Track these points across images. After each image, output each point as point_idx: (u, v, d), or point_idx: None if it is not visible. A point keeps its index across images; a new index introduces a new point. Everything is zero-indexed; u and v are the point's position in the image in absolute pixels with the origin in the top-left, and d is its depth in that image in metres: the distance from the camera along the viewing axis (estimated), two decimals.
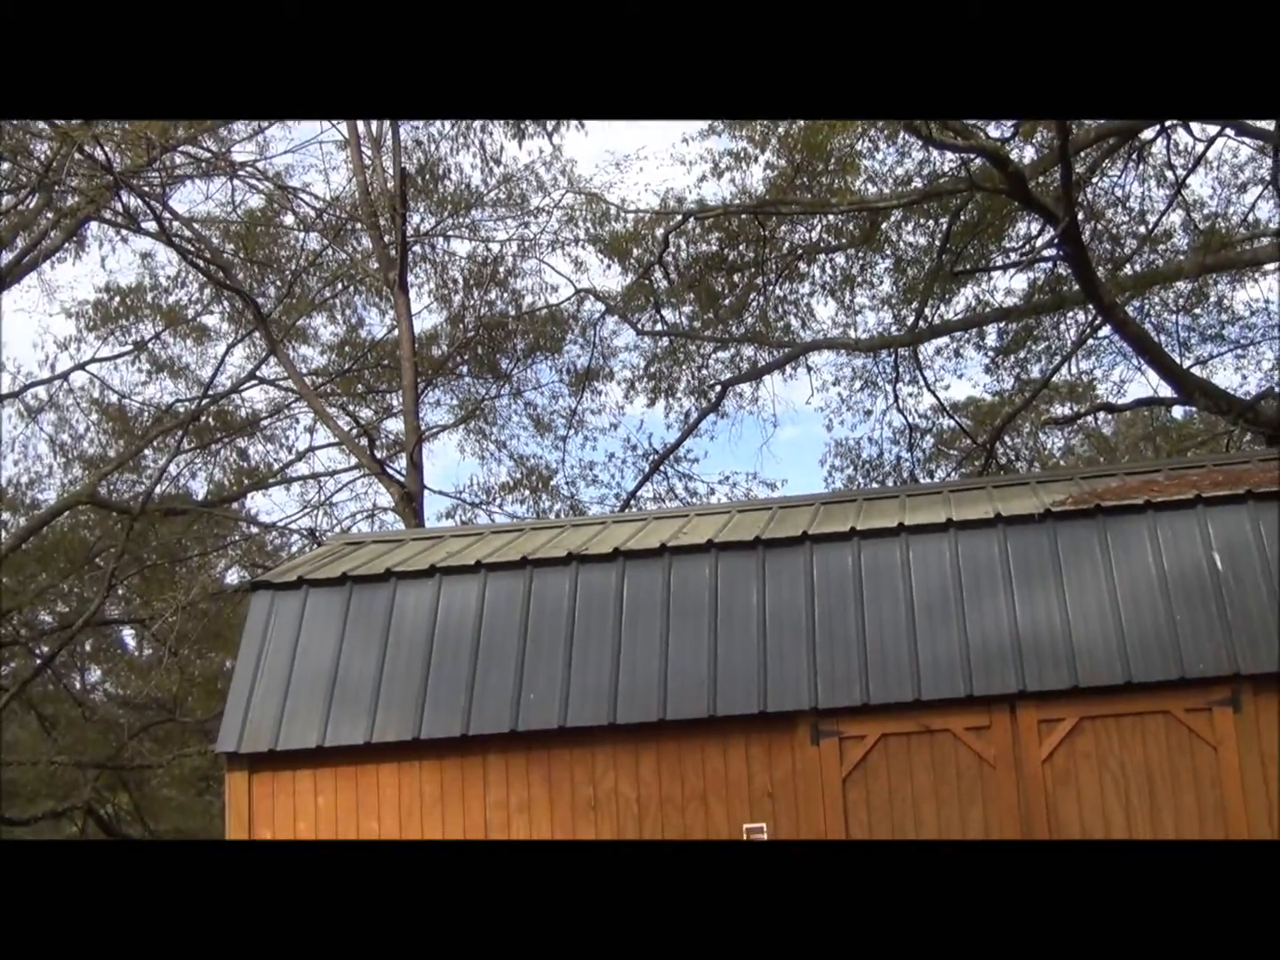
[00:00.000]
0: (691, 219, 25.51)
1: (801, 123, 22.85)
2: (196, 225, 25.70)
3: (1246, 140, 24.33)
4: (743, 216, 25.36)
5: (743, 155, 24.64)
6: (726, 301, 26.77)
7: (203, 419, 28.86)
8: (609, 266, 27.52)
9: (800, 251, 26.44)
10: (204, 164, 23.86)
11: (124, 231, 25.32)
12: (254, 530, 30.94)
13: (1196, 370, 24.61)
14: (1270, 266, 24.79)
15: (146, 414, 29.66)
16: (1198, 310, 25.71)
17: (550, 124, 25.10)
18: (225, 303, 28.10)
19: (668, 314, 27.23)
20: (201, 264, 25.64)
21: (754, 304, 26.94)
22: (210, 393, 28.56)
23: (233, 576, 30.20)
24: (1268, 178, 24.84)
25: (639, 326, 27.33)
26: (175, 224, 24.75)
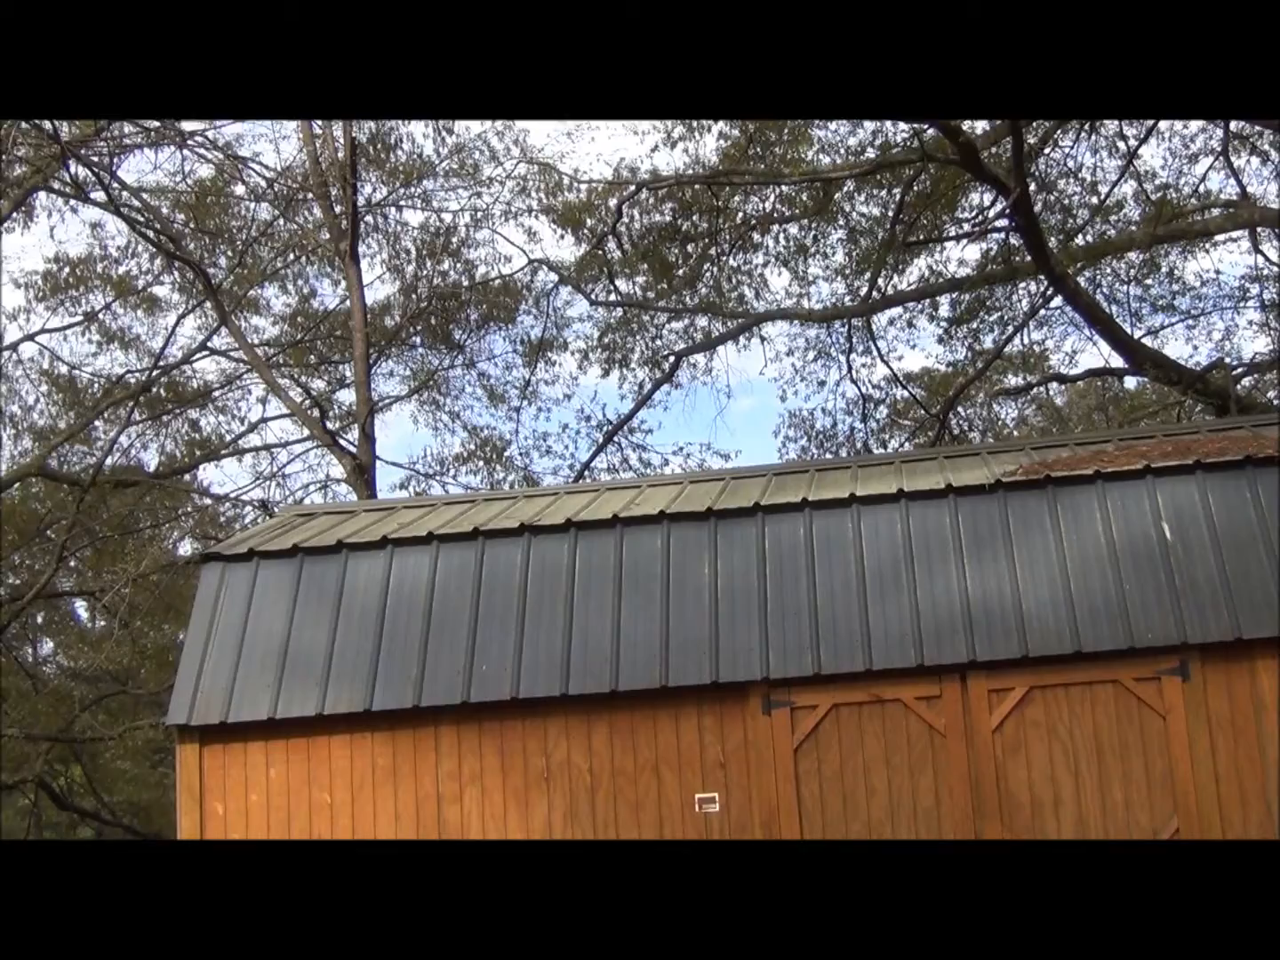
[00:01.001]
0: (645, 189, 25.47)
1: None
2: (146, 195, 25.51)
3: None
4: (696, 187, 25.33)
5: (696, 125, 24.59)
6: (680, 272, 26.73)
7: (154, 390, 28.66)
8: (562, 237, 27.50)
9: (754, 222, 26.41)
10: (152, 133, 23.63)
11: (72, 202, 25.10)
12: (206, 502, 30.83)
13: (1148, 341, 24.75)
14: (1221, 237, 24.92)
15: (97, 385, 29.48)
16: (1149, 281, 25.81)
17: None
18: (176, 273, 27.91)
19: (621, 284, 27.22)
20: (151, 235, 25.45)
21: (707, 274, 26.92)
22: (161, 364, 28.38)
23: (185, 548, 30.08)
24: (1218, 149, 24.93)
25: (592, 297, 27.31)
26: (124, 194, 24.56)
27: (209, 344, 28.35)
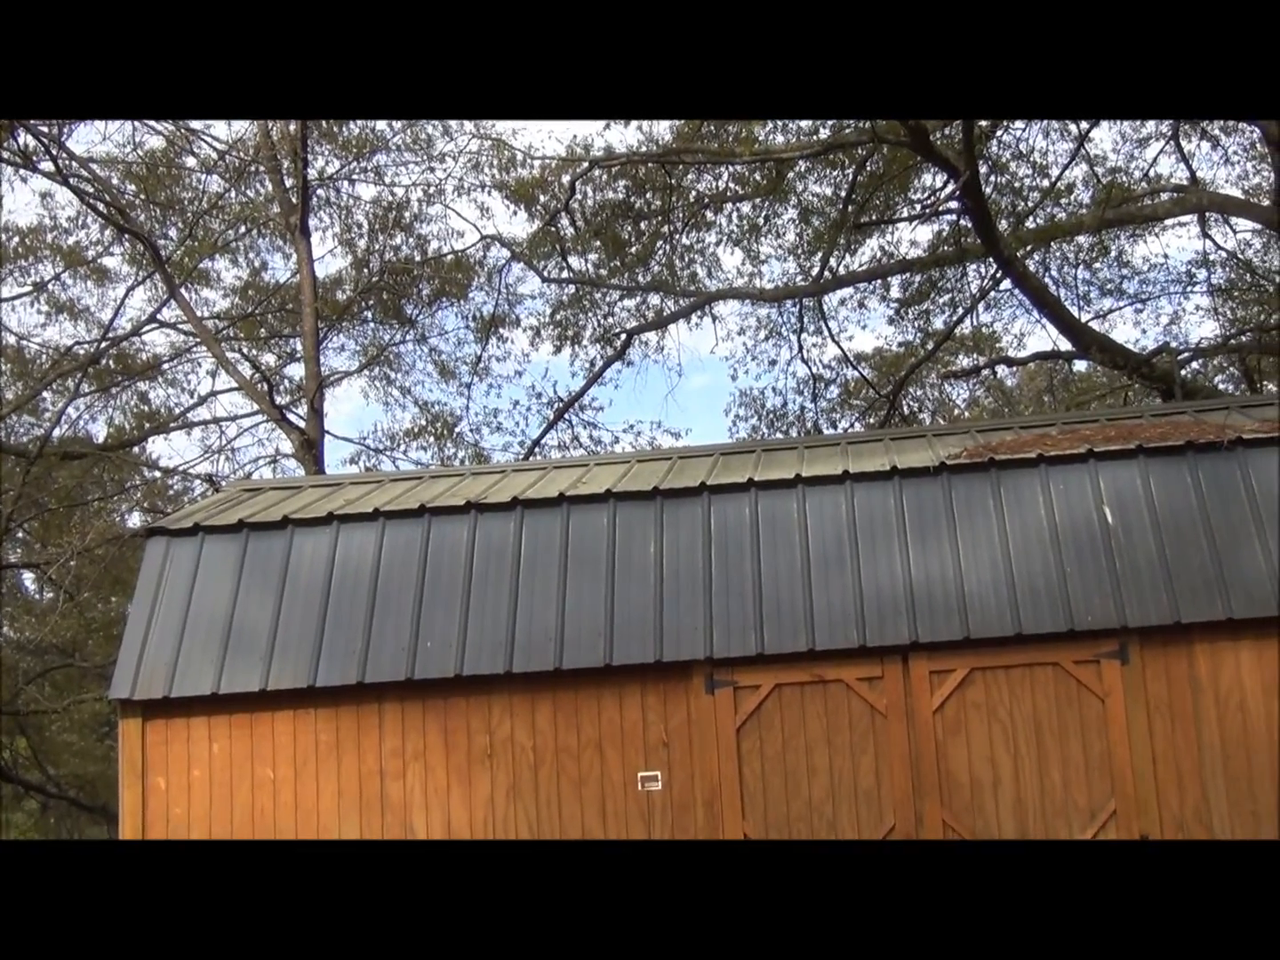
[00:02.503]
0: (598, 166, 25.46)
1: None
2: (95, 166, 25.34)
3: None
4: (649, 164, 25.33)
5: None
6: (633, 249, 26.76)
7: (102, 362, 28.49)
8: (515, 213, 27.55)
9: (706, 200, 26.45)
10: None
11: (21, 171, 24.90)
12: (154, 475, 30.67)
13: (1096, 324, 24.91)
14: (1170, 221, 25.08)
15: (45, 356, 29.26)
16: (1098, 264, 25.97)
17: None
18: (125, 245, 27.73)
19: (574, 261, 27.21)
20: (101, 206, 25.28)
21: (660, 252, 26.96)
22: (110, 335, 28.21)
23: (133, 521, 29.90)
24: (1168, 133, 25.08)
25: (545, 274, 27.27)
26: (73, 164, 24.38)
27: (158, 316, 28.19)
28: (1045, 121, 24.96)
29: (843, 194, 25.39)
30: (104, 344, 28.12)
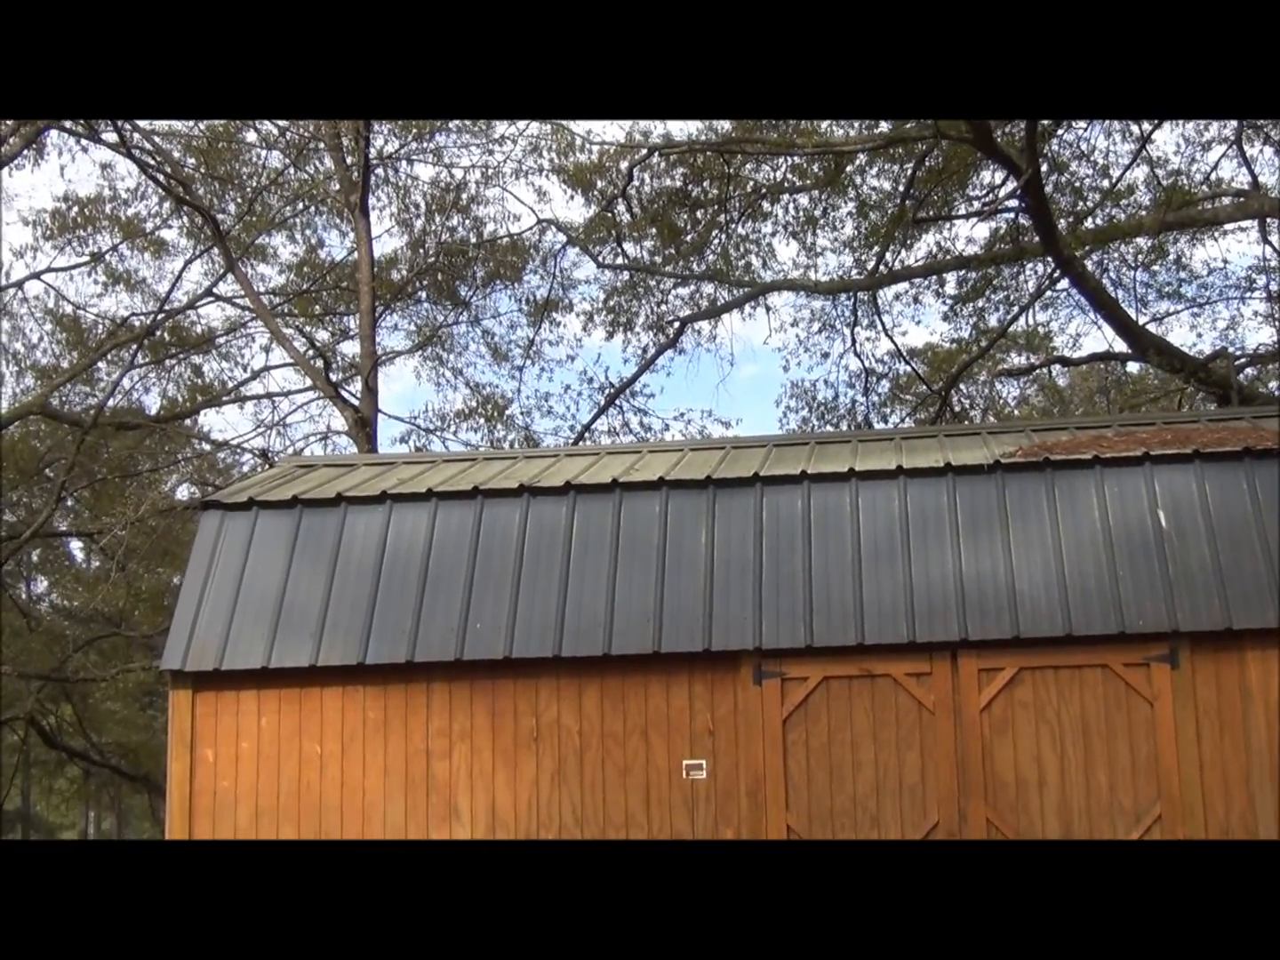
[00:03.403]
0: (656, 154, 25.44)
1: None
2: (157, 138, 25.47)
3: None
4: (708, 153, 25.30)
5: None
6: (688, 238, 26.72)
7: (158, 334, 28.66)
8: (572, 198, 27.48)
9: (764, 191, 26.41)
10: None
11: (84, 141, 25.05)
12: (206, 448, 30.84)
13: (1152, 327, 24.76)
14: (1230, 226, 24.92)
15: (101, 326, 29.46)
16: (1156, 267, 25.80)
17: None
18: (184, 218, 27.87)
19: (629, 248, 27.20)
20: (161, 178, 25.42)
21: (716, 241, 26.91)
22: (166, 308, 28.36)
23: (183, 493, 30.08)
24: (1231, 137, 24.91)
25: (600, 259, 27.29)
26: (136, 136, 24.52)
27: (215, 290, 28.31)
28: (1107, 121, 24.85)
29: (901, 188, 25.30)
30: (160, 316, 28.28)
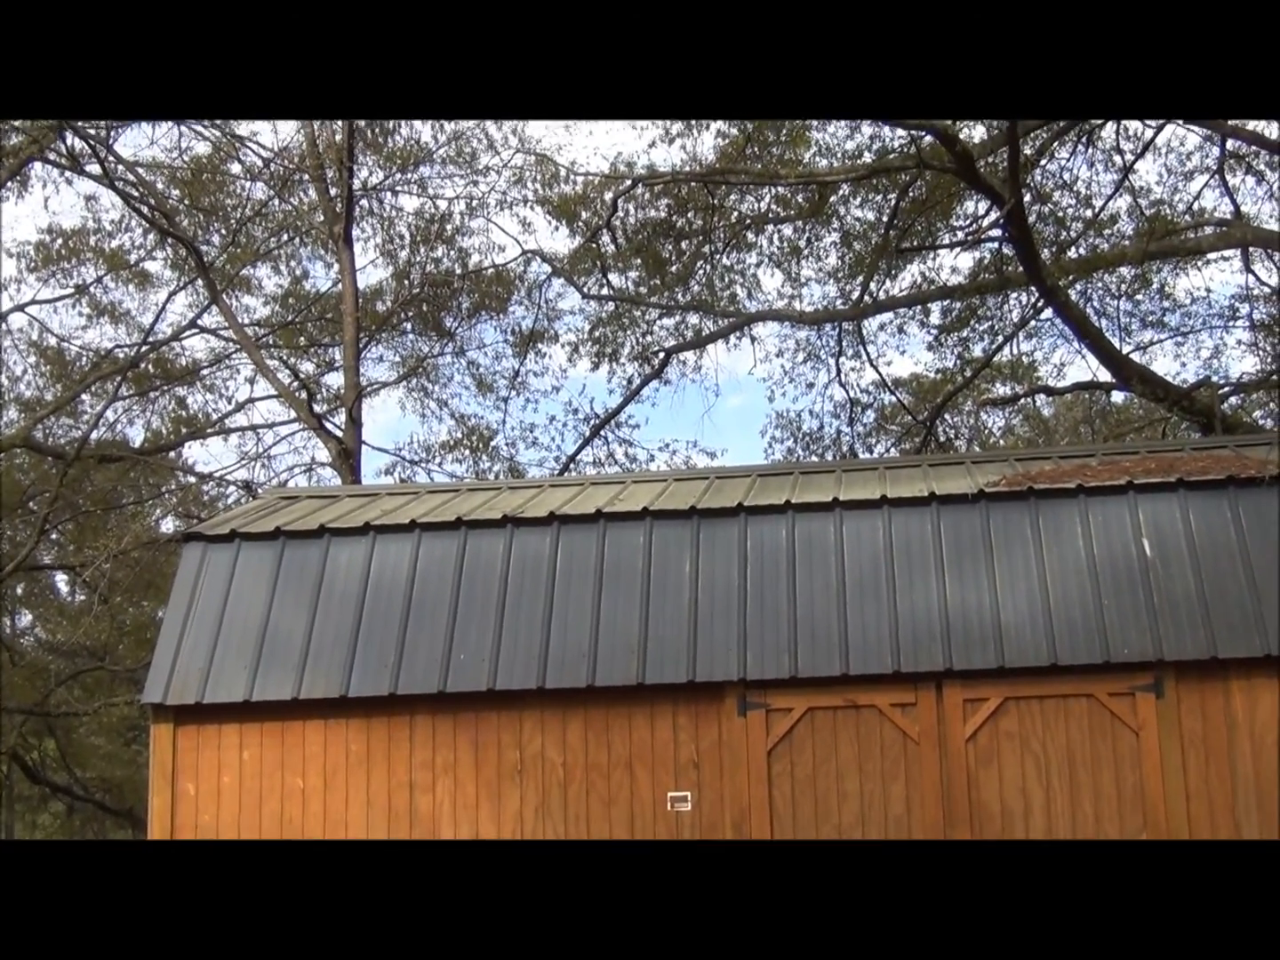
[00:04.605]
0: (641, 184, 25.46)
1: None
2: (141, 170, 25.46)
3: (1194, 128, 24.48)
4: (692, 184, 25.33)
5: (694, 123, 24.59)
6: (673, 268, 26.73)
7: (142, 366, 28.62)
8: (556, 228, 27.48)
9: (748, 221, 26.42)
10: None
11: (68, 173, 25.04)
12: (190, 480, 30.76)
13: (1136, 356, 24.77)
14: (1213, 255, 24.97)
15: (85, 358, 29.43)
16: (1140, 296, 25.85)
17: None
18: (168, 249, 27.86)
19: (614, 278, 27.20)
20: (145, 210, 25.41)
21: (700, 272, 26.92)
22: (150, 339, 28.32)
23: (167, 525, 29.99)
24: (1214, 166, 24.99)
25: (585, 290, 27.28)
26: (120, 168, 24.51)
27: (199, 322, 28.30)
28: (1089, 151, 24.94)
29: (885, 219, 25.34)
30: (144, 348, 28.24)
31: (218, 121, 24.94)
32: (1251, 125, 23.76)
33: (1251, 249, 24.43)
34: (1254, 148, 24.15)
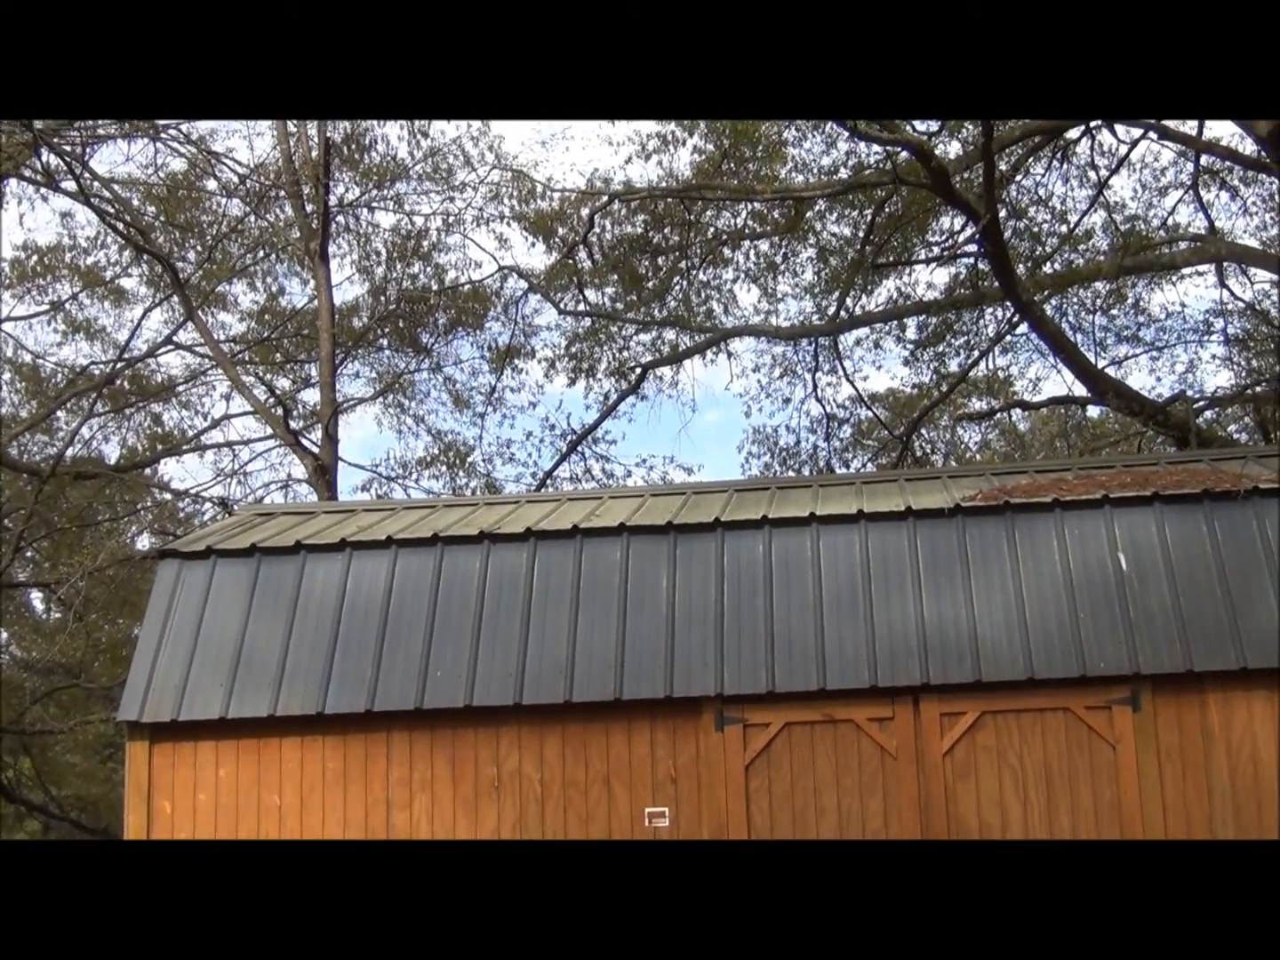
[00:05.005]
0: (617, 200, 25.50)
1: None
2: (117, 187, 25.41)
3: (1169, 144, 24.59)
4: (668, 200, 25.37)
5: (670, 139, 24.66)
6: (650, 284, 26.77)
7: (117, 382, 28.52)
8: (533, 245, 27.53)
9: (724, 237, 26.48)
10: (126, 125, 23.55)
11: (43, 190, 24.97)
12: (166, 497, 30.66)
13: (1111, 371, 24.86)
14: (1187, 270, 25.07)
15: (60, 375, 29.32)
16: (1115, 311, 25.95)
17: None
18: (144, 266, 27.80)
19: (590, 294, 27.22)
20: (120, 226, 25.36)
21: (677, 287, 26.96)
22: (126, 356, 28.24)
23: (143, 542, 29.91)
24: (1188, 182, 25.11)
25: (561, 306, 27.29)
26: (95, 185, 24.46)
27: (174, 338, 28.21)
28: (1064, 167, 25.04)
29: (861, 234, 25.41)
30: (119, 365, 28.15)
31: (194, 137, 24.94)
32: (1225, 140, 23.92)
33: (1226, 264, 24.53)
34: (1228, 163, 24.28)
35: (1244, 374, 25.90)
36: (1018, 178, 24.70)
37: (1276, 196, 24.70)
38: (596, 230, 25.85)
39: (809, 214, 25.64)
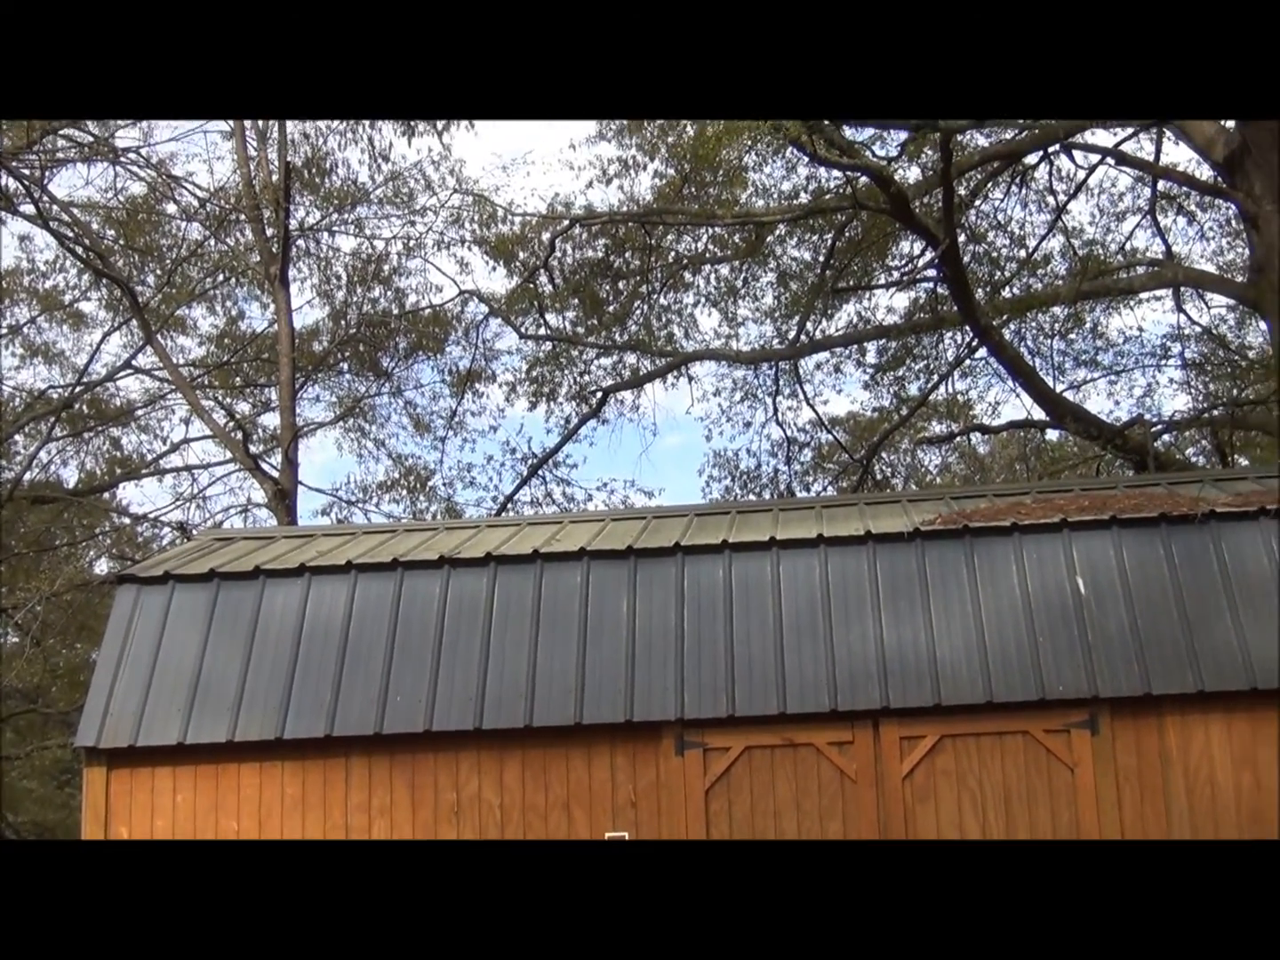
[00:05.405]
0: (578, 225, 25.53)
1: (691, 131, 22.96)
2: (76, 210, 25.34)
3: (1126, 169, 24.78)
4: (629, 224, 25.41)
5: (631, 163, 24.72)
6: (610, 308, 26.79)
7: (76, 406, 28.42)
8: (494, 269, 27.48)
9: (685, 261, 26.53)
10: (86, 148, 23.51)
11: (1, 213, 24.88)
12: (124, 521, 30.53)
13: (1070, 395, 25.01)
14: (1145, 295, 25.25)
15: (18, 399, 29.19)
16: (1073, 335, 26.09)
17: (441, 122, 25.06)
18: (103, 290, 27.72)
19: (551, 318, 27.22)
20: (80, 250, 25.28)
21: (638, 311, 26.99)
22: (84, 380, 28.14)
23: (101, 567, 29.75)
24: (1145, 207, 25.29)
25: (522, 330, 27.29)
26: (54, 208, 24.39)
27: (133, 362, 28.16)
28: (1023, 192, 25.19)
29: (821, 259, 25.50)
30: (78, 389, 28.06)
31: (153, 161, 24.89)
32: (1183, 165, 24.11)
33: (1183, 289, 24.72)
34: (1185, 188, 24.47)
35: (1201, 398, 26.10)
36: (976, 202, 24.84)
37: (1233, 222, 24.89)
38: (557, 254, 25.88)
39: (769, 238, 25.72)
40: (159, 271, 27.28)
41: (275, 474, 25.31)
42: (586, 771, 11.97)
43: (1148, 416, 24.37)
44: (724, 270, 26.90)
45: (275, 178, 25.23)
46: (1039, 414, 24.26)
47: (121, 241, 26.69)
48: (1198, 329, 26.03)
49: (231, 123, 25.53)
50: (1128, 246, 25.98)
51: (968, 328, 23.23)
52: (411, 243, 27.71)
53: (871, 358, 27.17)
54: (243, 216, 26.13)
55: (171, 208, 26.83)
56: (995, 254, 25.70)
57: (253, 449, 26.36)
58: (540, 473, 27.79)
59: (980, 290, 23.77)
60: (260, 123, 25.45)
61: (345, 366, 29.01)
